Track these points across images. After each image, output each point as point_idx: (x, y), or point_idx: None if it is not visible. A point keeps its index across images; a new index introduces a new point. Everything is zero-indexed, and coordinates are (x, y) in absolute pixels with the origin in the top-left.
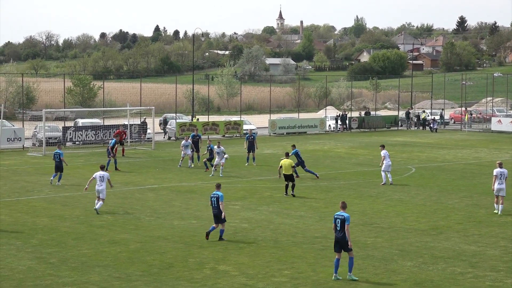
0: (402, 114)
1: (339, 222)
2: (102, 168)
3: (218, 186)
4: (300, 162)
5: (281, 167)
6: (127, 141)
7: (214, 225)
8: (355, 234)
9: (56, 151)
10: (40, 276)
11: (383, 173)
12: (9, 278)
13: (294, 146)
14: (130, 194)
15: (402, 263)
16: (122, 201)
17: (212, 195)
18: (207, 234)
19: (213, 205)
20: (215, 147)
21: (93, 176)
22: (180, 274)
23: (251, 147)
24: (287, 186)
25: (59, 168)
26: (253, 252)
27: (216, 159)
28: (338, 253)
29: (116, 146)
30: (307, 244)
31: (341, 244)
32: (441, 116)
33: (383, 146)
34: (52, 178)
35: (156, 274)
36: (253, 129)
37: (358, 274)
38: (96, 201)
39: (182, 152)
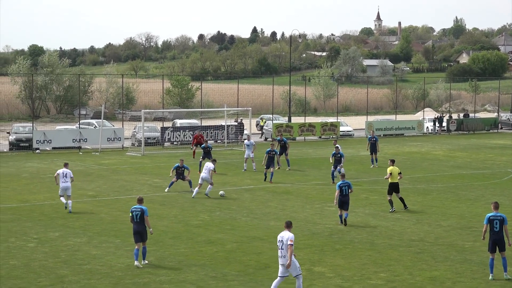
0: (503, 116)
1: (498, 222)
2: (66, 165)
3: (141, 200)
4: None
5: (390, 174)
6: (224, 142)
7: (136, 246)
8: (453, 237)
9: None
10: (138, 274)
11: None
12: (108, 276)
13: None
14: (227, 194)
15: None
16: (218, 201)
17: (134, 210)
18: (137, 259)
19: (135, 220)
20: (245, 140)
21: (57, 172)
22: (276, 274)
23: (270, 164)
24: (391, 201)
25: (180, 175)
26: (349, 254)
27: (246, 152)
28: (492, 253)
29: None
30: (404, 247)
31: (498, 244)
32: None
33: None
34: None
35: (252, 274)
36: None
37: (456, 278)
38: (62, 199)
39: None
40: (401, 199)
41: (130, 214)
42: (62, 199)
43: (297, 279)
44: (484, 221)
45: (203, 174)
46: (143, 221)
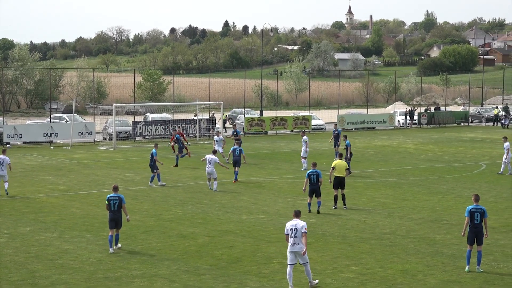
0: (472, 109)
1: (478, 215)
2: (4, 151)
3: (116, 188)
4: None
5: (334, 168)
6: (196, 136)
7: (110, 232)
8: (424, 230)
9: (152, 150)
10: (110, 269)
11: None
12: (80, 270)
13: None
14: (199, 189)
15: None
16: (191, 195)
17: (112, 198)
18: (111, 246)
19: (113, 209)
20: (215, 136)
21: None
22: (248, 268)
23: (236, 162)
24: (336, 197)
25: (152, 168)
26: (321, 248)
27: (215, 147)
28: (470, 245)
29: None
30: (375, 240)
31: (477, 236)
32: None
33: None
34: (150, 182)
35: (224, 268)
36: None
37: (427, 271)
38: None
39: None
40: (343, 196)
41: (107, 202)
42: None
43: (305, 266)
44: (465, 213)
45: (209, 168)
46: (120, 209)
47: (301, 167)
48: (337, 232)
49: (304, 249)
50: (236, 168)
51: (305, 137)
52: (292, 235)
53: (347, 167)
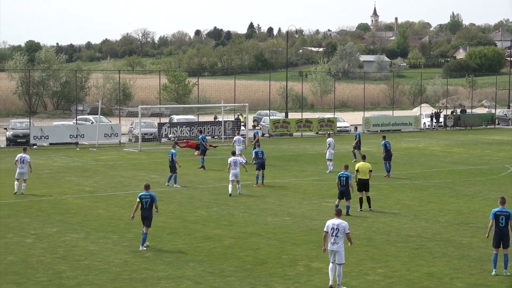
0: (499, 112)
1: (504, 218)
2: (25, 150)
3: (148, 187)
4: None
5: (357, 171)
6: (221, 138)
7: (144, 229)
8: (450, 233)
9: (171, 151)
10: (136, 270)
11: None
12: (106, 271)
13: (384, 137)
14: (224, 190)
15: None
16: (216, 197)
17: (143, 196)
18: (143, 244)
19: (145, 207)
20: (236, 137)
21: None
22: (273, 270)
23: (261, 165)
24: (361, 200)
25: (171, 169)
26: (346, 250)
27: (237, 146)
28: (496, 248)
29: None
30: (401, 242)
31: (503, 239)
32: None
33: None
34: (167, 183)
35: (249, 270)
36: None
37: (453, 274)
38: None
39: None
40: (368, 199)
41: (138, 200)
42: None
43: (339, 267)
44: (490, 216)
45: (236, 169)
46: (151, 207)
47: (327, 169)
48: (363, 235)
49: (349, 244)
50: (262, 170)
51: (330, 139)
52: (333, 234)
53: (371, 169)
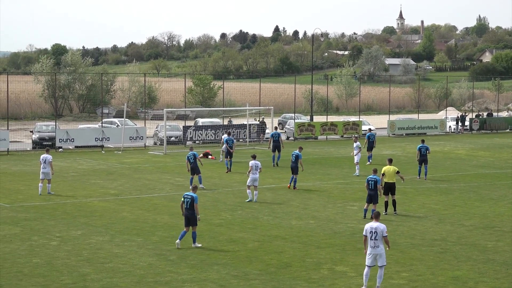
0: None
1: None
2: (47, 151)
3: (194, 188)
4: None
5: (383, 174)
6: (246, 141)
7: (185, 228)
8: (476, 237)
9: (190, 152)
10: (160, 273)
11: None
12: (130, 274)
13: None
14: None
15: None
16: (240, 200)
17: (186, 196)
18: (180, 238)
19: (186, 206)
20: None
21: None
22: (297, 274)
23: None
24: (386, 203)
25: (194, 170)
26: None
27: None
28: None
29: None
30: (426, 246)
31: None
32: None
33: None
34: (191, 185)
35: (273, 273)
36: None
37: (478, 278)
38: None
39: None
40: (394, 202)
41: (182, 199)
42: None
43: (381, 269)
44: None
45: (256, 174)
46: (192, 207)
47: (354, 172)
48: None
49: (387, 247)
50: (294, 175)
51: (358, 143)
52: (373, 237)
53: (398, 170)
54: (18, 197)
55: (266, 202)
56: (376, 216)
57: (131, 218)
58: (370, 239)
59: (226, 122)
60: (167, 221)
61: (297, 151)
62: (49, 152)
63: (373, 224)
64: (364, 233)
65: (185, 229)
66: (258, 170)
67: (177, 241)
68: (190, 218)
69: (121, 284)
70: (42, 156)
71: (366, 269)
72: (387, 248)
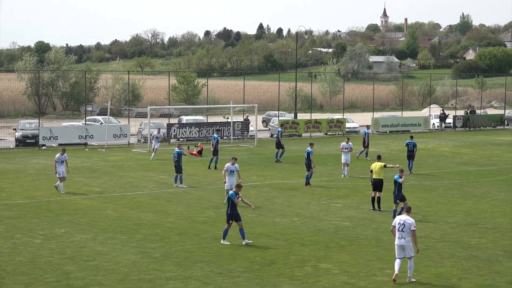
0: (508, 112)
1: None
2: (64, 151)
3: (237, 186)
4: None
5: (371, 171)
6: (230, 139)
7: (226, 226)
8: (459, 234)
9: (175, 150)
10: (144, 271)
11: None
12: (114, 272)
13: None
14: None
15: (507, 265)
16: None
17: (230, 194)
18: (224, 238)
19: (226, 203)
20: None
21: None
22: (281, 271)
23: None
24: (373, 199)
25: (177, 169)
26: (355, 251)
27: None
28: None
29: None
30: None
31: None
32: None
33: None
34: (175, 183)
35: (257, 270)
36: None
37: (461, 275)
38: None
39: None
40: (378, 199)
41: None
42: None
43: (410, 260)
44: None
45: (232, 179)
46: (233, 204)
47: (339, 172)
48: (371, 235)
49: (415, 248)
50: (308, 172)
51: (350, 143)
52: (400, 229)
53: (385, 164)
54: (1, 195)
55: (250, 199)
56: (407, 210)
57: (115, 216)
58: (398, 230)
59: (224, 120)
60: (151, 219)
61: (309, 148)
62: (65, 152)
63: (403, 217)
64: (393, 224)
65: (226, 227)
66: (235, 174)
67: (222, 241)
68: (232, 215)
69: (105, 282)
70: (58, 156)
71: (396, 260)
72: (415, 247)
